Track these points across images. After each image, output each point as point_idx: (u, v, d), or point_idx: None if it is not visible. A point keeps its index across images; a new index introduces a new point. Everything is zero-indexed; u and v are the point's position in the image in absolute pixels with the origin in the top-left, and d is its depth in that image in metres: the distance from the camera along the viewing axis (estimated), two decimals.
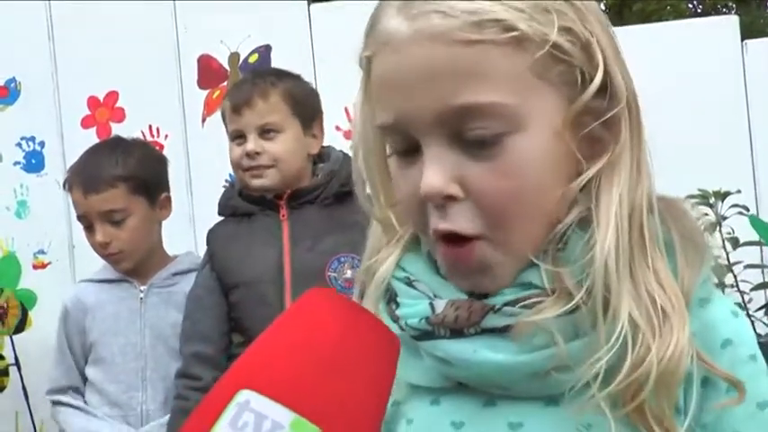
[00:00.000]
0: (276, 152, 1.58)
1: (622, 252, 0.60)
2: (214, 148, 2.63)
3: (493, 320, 0.62)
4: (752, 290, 2.24)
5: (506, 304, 0.62)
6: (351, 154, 0.73)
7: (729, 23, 2.56)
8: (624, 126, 0.61)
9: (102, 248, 1.73)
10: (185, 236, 2.43)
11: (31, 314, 2.43)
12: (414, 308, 0.66)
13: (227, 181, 2.82)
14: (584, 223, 0.62)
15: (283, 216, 1.59)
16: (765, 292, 2.22)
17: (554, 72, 0.59)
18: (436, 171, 0.59)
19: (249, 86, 1.61)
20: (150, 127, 2.61)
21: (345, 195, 1.53)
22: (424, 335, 0.64)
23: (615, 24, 0.69)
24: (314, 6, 2.61)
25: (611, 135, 0.62)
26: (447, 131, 0.59)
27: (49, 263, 2.68)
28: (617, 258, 0.59)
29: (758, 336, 2.22)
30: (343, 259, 1.53)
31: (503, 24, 0.57)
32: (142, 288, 1.76)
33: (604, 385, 0.59)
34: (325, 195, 1.58)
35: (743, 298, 2.25)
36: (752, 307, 2.24)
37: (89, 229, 1.74)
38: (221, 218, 1.72)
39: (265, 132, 1.58)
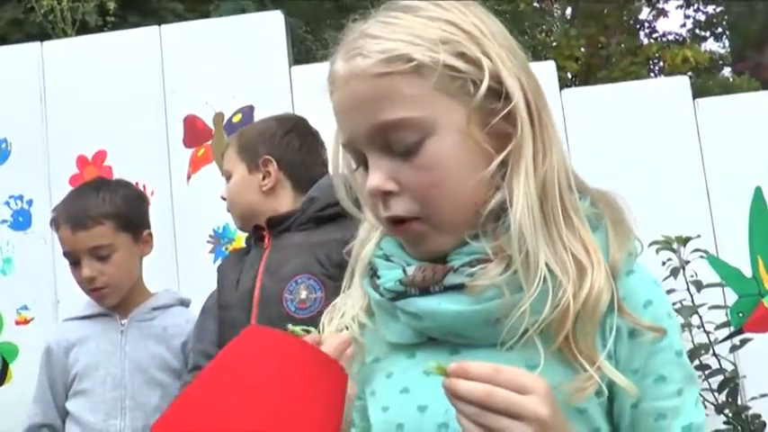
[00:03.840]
0: (229, 191, 1.74)
1: (534, 218, 0.75)
2: (199, 205, 2.73)
3: (452, 278, 0.77)
4: (716, 328, 2.33)
5: (462, 265, 0.77)
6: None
7: (682, 83, 2.75)
8: (520, 118, 0.76)
9: (88, 283, 1.80)
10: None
11: (12, 367, 2.44)
12: (390, 274, 0.81)
13: (211, 236, 2.91)
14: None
15: (266, 245, 1.67)
16: (729, 330, 2.31)
17: (454, 86, 0.76)
18: (376, 174, 0.77)
19: None
20: (137, 184, 2.69)
21: (325, 219, 1.61)
22: (399, 295, 0.79)
23: None
24: (294, 68, 2.77)
25: (514, 128, 0.77)
26: (379, 143, 0.77)
27: (32, 318, 2.71)
28: (530, 224, 0.75)
29: (723, 371, 2.32)
30: (300, 280, 1.57)
31: (405, 57, 0.75)
32: (123, 321, 1.83)
33: (538, 326, 0.74)
34: (300, 221, 1.64)
35: (708, 338, 2.34)
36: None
37: (75, 264, 1.81)
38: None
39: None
